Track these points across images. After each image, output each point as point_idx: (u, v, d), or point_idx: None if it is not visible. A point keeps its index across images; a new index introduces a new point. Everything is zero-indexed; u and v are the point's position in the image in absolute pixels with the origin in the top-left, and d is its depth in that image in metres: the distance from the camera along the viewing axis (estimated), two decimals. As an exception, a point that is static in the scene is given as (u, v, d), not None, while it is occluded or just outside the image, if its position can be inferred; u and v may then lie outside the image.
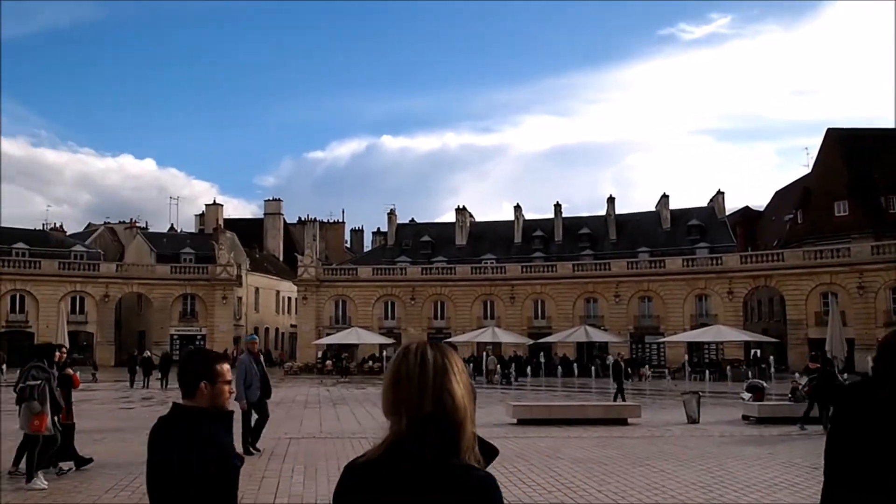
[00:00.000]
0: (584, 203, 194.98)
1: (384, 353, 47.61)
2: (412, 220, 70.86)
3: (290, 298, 70.05)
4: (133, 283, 57.85)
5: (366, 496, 1.70)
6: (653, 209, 62.45)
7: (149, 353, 38.97)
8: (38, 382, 9.19)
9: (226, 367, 3.02)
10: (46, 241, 61.83)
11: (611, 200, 62.12)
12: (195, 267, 60.19)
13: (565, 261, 56.88)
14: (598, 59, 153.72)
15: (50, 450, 9.42)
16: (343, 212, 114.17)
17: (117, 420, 19.36)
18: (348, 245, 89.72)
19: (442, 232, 66.05)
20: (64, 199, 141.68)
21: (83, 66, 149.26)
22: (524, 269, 56.69)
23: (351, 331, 49.44)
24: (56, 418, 9.56)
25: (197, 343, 56.44)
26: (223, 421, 2.96)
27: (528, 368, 41.19)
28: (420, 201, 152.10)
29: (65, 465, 10.18)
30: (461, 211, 65.22)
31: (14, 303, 53.68)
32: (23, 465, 9.47)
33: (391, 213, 67.34)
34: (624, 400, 23.37)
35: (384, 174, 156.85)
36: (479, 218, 69.78)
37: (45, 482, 9.16)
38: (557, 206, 63.00)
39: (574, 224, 62.74)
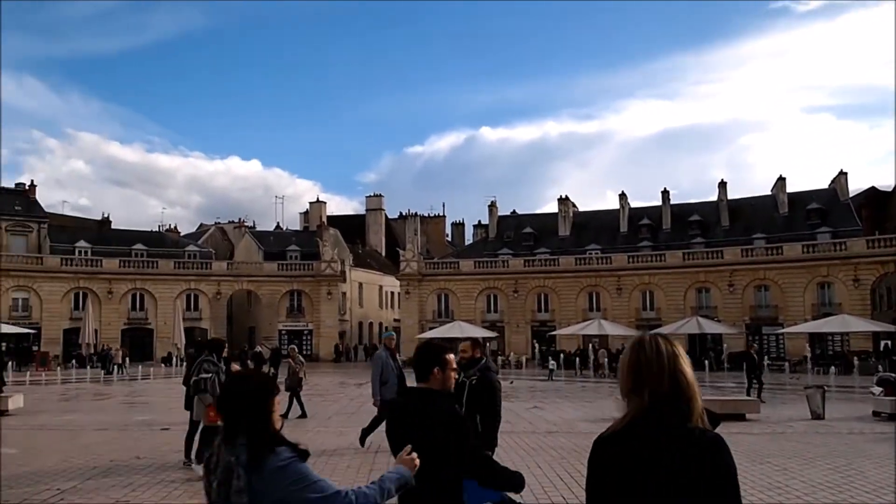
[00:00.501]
0: (693, 189, 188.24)
1: (487, 346, 47.73)
2: (513, 211, 70.60)
3: (392, 293, 71.34)
4: (243, 280, 60.53)
5: (623, 456, 2.13)
6: (768, 193, 59.56)
7: (259, 348, 40.64)
8: (210, 375, 9.82)
9: (452, 356, 3.86)
10: (162, 242, 65.61)
11: (722, 185, 59.70)
12: (301, 264, 62.29)
13: (674, 249, 55.13)
14: (705, 37, 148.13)
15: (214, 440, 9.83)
16: (443, 205, 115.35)
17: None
18: (449, 239, 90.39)
19: (544, 223, 65.45)
20: (177, 202, 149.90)
21: (190, 72, 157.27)
22: (631, 259, 55.40)
23: (454, 324, 49.80)
24: None
25: (304, 338, 58.49)
26: (452, 399, 3.91)
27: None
28: (521, 192, 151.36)
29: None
30: (564, 201, 64.40)
31: (134, 301, 57.28)
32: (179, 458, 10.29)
33: (492, 206, 67.33)
34: (760, 394, 22.06)
35: (484, 166, 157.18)
36: (582, 207, 68.71)
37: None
38: (665, 193, 61.15)
39: (683, 211, 60.70)
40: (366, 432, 12.10)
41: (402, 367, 11.78)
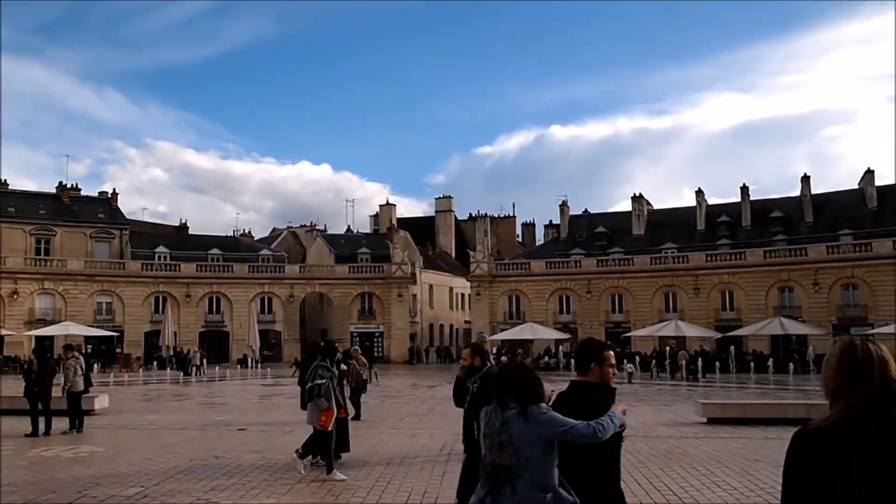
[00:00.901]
0: (774, 184, 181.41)
1: (560, 348, 47.25)
2: (585, 210, 69.72)
3: (463, 295, 71.43)
4: (315, 283, 61.69)
5: (830, 452, 2.24)
6: (855, 187, 56.99)
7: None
8: (324, 381, 9.95)
9: (611, 353, 4.35)
10: (237, 247, 67.49)
11: (805, 179, 57.38)
12: (371, 266, 63.06)
13: (755, 247, 53.32)
14: (784, 26, 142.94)
15: (329, 444, 10.14)
16: (513, 206, 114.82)
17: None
18: (520, 239, 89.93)
19: (617, 222, 64.37)
20: (250, 206, 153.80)
21: (262, 80, 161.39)
22: (709, 258, 53.88)
23: (525, 326, 49.54)
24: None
25: (375, 340, 59.16)
26: (610, 393, 4.29)
27: (717, 364, 39.14)
28: (592, 191, 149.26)
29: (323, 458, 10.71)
30: (637, 199, 63.17)
31: (211, 304, 59.09)
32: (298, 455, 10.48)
33: (563, 205, 66.64)
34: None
35: (554, 165, 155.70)
36: (656, 205, 67.23)
37: (344, 475, 9.99)
38: (744, 189, 59.20)
39: (763, 207, 58.66)
40: None
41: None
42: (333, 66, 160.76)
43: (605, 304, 55.92)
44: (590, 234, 63.75)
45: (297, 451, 10.53)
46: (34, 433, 14.64)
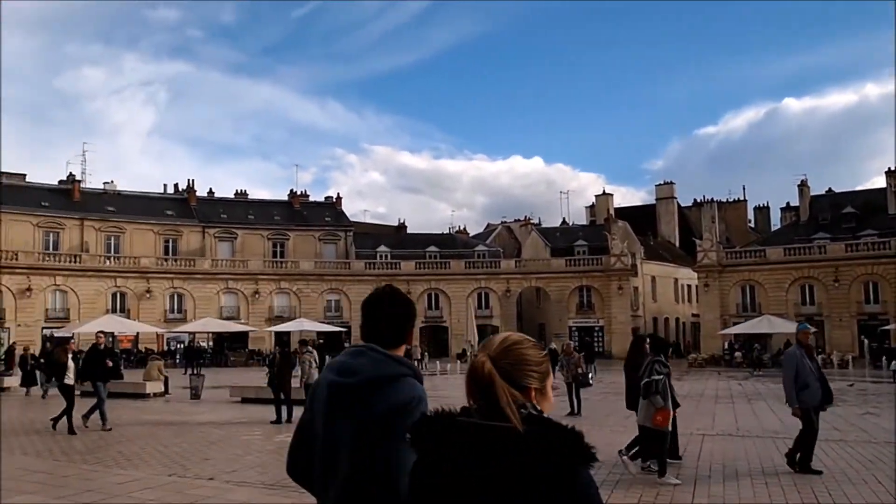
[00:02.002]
0: None
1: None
2: (829, 190, 63.68)
3: (689, 286, 68.44)
4: (531, 277, 62.18)
5: None
6: None
7: (553, 346, 41.38)
8: (661, 378, 9.49)
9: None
10: (453, 244, 69.85)
11: None
12: (589, 259, 62.33)
13: None
14: None
15: (665, 445, 9.55)
16: (743, 189, 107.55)
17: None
18: (752, 225, 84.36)
19: (869, 200, 58.10)
20: (463, 203, 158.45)
21: (470, 79, 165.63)
22: None
23: (762, 319, 46.24)
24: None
25: (595, 334, 58.40)
26: None
27: None
28: (835, 168, 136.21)
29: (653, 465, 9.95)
30: (893, 174, 56.64)
31: (430, 300, 61.69)
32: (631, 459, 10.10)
33: (802, 185, 61.48)
34: None
35: (789, 142, 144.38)
36: (918, 179, 59.75)
37: (678, 479, 9.41)
38: None
39: None
40: (801, 456, 10.03)
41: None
42: (540, 58, 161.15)
43: (857, 293, 50.75)
44: (835, 215, 58.20)
45: (619, 451, 10.11)
46: (278, 420, 16.15)
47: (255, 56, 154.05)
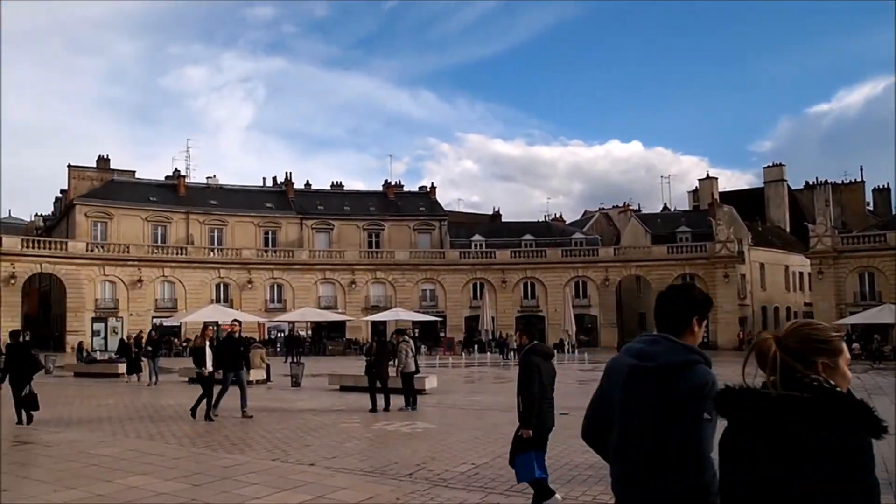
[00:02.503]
0: None
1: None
2: (958, 168, 59.68)
3: (801, 273, 65.57)
4: (631, 265, 60.98)
5: None
6: None
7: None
8: None
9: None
10: (549, 232, 69.26)
11: None
12: (692, 245, 60.62)
13: None
14: None
15: None
16: (861, 170, 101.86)
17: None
18: (871, 208, 79.89)
19: None
20: (559, 190, 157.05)
21: (563, 64, 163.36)
22: None
23: (882, 308, 43.76)
24: None
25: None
26: None
27: None
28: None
29: None
30: None
31: (526, 289, 61.44)
32: None
33: (927, 163, 57.87)
34: None
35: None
36: None
37: None
38: None
39: None
40: None
41: None
42: (637, 38, 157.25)
43: None
44: (966, 195, 54.43)
45: None
46: (374, 409, 16.46)
47: (348, 49, 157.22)
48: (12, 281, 48.73)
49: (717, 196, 69.83)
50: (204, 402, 15.28)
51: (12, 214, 66.92)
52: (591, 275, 60.77)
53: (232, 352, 15.91)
